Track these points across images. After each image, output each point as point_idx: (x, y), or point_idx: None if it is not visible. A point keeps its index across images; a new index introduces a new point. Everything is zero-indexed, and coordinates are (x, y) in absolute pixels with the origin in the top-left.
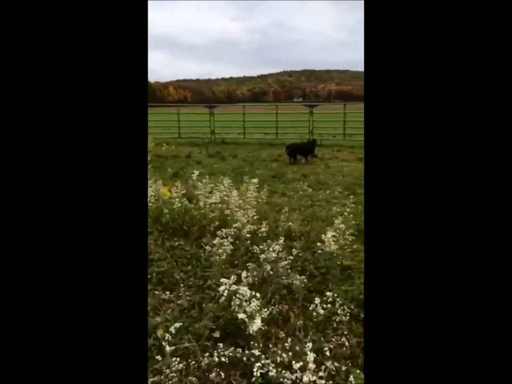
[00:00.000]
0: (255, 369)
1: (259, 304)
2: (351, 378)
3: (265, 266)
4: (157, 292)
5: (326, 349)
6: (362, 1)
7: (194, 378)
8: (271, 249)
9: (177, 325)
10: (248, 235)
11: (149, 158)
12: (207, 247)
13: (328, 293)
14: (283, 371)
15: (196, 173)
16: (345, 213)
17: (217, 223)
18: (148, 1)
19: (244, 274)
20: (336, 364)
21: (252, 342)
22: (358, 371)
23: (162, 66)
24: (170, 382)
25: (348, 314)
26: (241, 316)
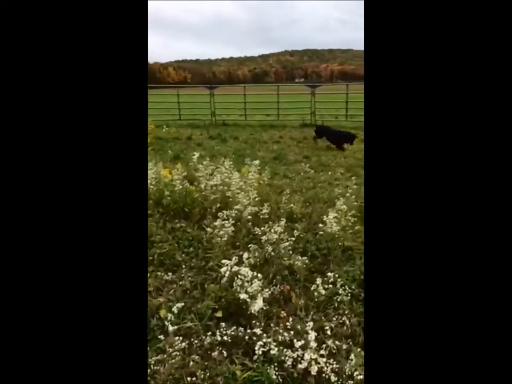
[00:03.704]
0: (256, 348)
1: (260, 285)
2: (352, 356)
3: (267, 247)
4: (159, 273)
5: (327, 328)
6: None
7: (197, 357)
8: (272, 230)
9: (180, 305)
10: (249, 217)
11: (149, 141)
12: (209, 229)
13: (329, 274)
14: (284, 349)
15: (196, 155)
16: (347, 194)
17: (218, 205)
18: None
19: (245, 255)
20: (337, 342)
21: (253, 322)
22: (358, 349)
23: (159, 47)
24: (173, 361)
25: (349, 294)
26: (243, 296)
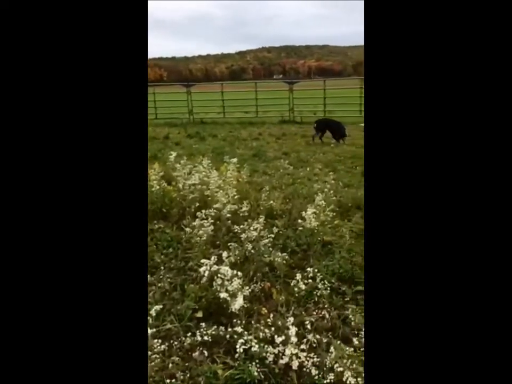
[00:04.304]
0: (238, 346)
1: (241, 283)
2: (332, 349)
3: (247, 245)
4: None
5: (307, 322)
6: None
7: (177, 358)
8: (251, 228)
9: (158, 307)
10: (229, 215)
11: None
12: (188, 229)
13: (309, 269)
14: (266, 346)
15: (174, 154)
16: (325, 190)
17: (197, 204)
18: None
19: (225, 254)
20: (317, 336)
21: (234, 320)
22: (338, 342)
23: None
24: (152, 363)
25: (328, 288)
26: (223, 295)
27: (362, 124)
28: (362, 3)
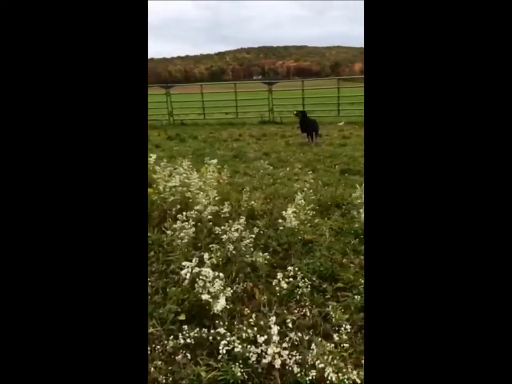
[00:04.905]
0: (220, 347)
1: (223, 284)
2: (313, 346)
3: (228, 246)
4: None
5: (289, 320)
6: None
7: (160, 362)
8: (233, 229)
9: None
10: (210, 217)
11: None
12: (169, 232)
13: (290, 268)
14: (248, 346)
15: (153, 156)
16: (305, 189)
17: (178, 206)
18: None
19: (206, 256)
20: (299, 334)
21: (217, 321)
22: (319, 339)
23: None
24: None
25: (309, 286)
26: (205, 296)
27: (340, 123)
28: (332, 3)
